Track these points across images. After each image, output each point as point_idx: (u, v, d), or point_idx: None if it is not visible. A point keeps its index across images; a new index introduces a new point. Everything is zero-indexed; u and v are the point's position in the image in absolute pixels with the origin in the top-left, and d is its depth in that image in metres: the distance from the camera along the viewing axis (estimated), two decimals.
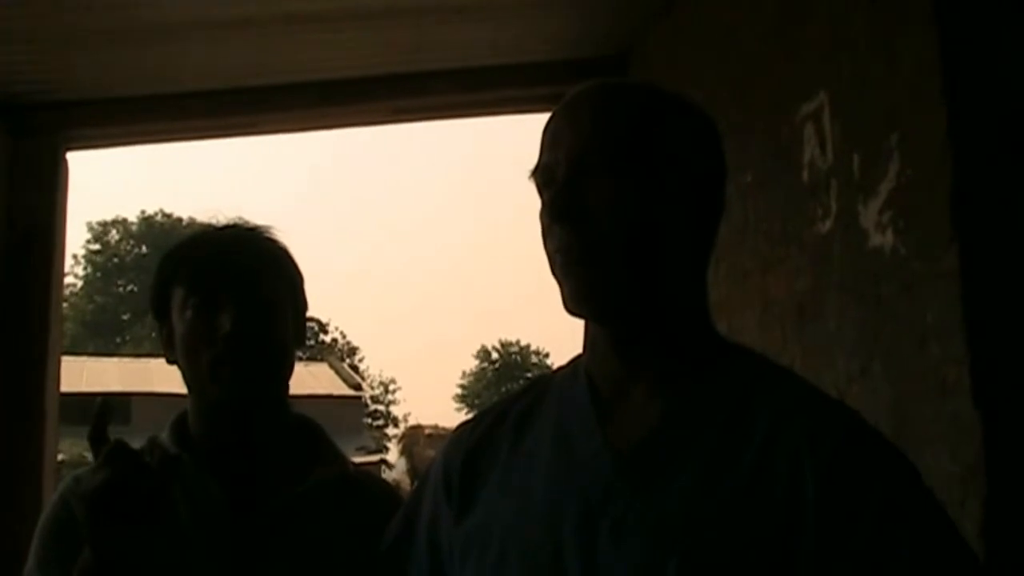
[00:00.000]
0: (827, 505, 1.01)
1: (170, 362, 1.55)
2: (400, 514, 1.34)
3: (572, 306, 1.13)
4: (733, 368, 1.16)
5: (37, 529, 1.50)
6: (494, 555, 1.14)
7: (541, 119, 1.22)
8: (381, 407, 47.35)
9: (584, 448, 1.14)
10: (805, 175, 2.49)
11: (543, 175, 1.14)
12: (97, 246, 44.07)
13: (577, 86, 1.19)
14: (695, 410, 1.12)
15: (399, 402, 49.70)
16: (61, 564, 1.39)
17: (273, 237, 1.59)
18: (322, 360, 33.39)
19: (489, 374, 52.84)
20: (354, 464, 1.65)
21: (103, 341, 37.82)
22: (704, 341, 1.19)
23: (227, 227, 1.59)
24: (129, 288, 42.32)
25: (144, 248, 42.60)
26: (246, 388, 1.48)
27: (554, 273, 1.14)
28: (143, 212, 44.88)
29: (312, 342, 43.17)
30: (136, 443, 1.61)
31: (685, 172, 1.15)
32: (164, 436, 1.55)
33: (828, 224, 2.37)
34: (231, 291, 1.47)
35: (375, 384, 46.74)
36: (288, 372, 1.56)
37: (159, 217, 44.37)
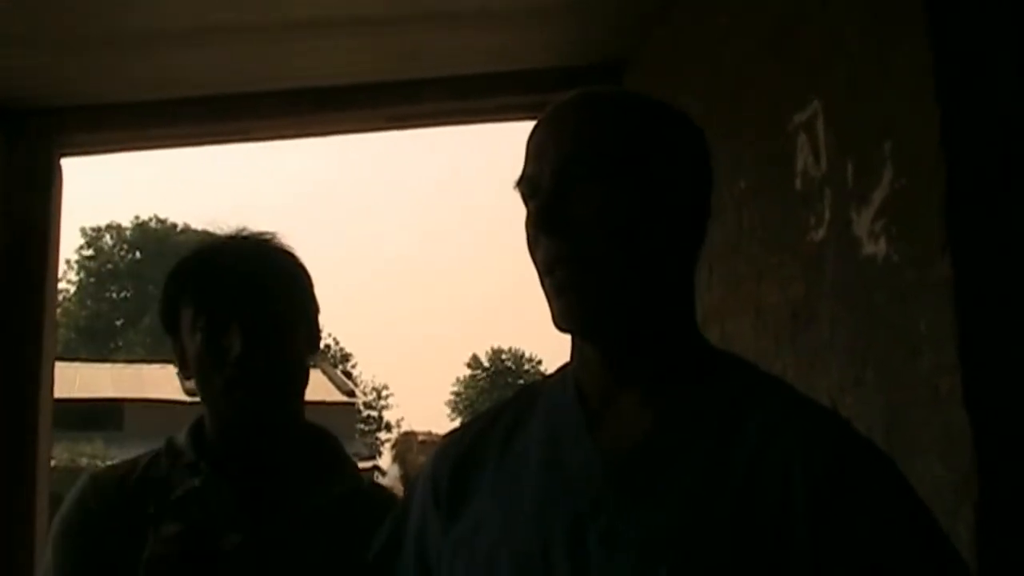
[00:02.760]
0: (818, 516, 1.01)
1: (186, 378, 1.54)
2: (387, 523, 1.33)
3: (562, 324, 1.12)
4: (723, 377, 1.16)
5: (53, 530, 1.50)
6: (482, 563, 1.14)
7: None
8: (374, 413, 47.31)
9: (573, 457, 1.14)
10: (798, 183, 2.50)
11: (528, 185, 1.14)
12: (90, 252, 43.96)
13: (560, 96, 1.19)
14: (685, 419, 1.11)
15: (392, 408, 49.72)
16: (78, 565, 1.40)
17: (278, 244, 1.58)
18: (315, 366, 33.36)
19: (481, 381, 52.80)
20: (367, 475, 1.64)
21: (96, 347, 37.68)
22: (693, 349, 1.18)
23: (231, 238, 1.57)
24: (122, 294, 42.24)
25: (138, 254, 42.50)
26: (259, 409, 1.48)
27: (543, 286, 1.13)
28: (137, 218, 44.77)
29: None
30: (128, 449, 1.61)
31: (672, 180, 1.14)
32: (181, 440, 1.54)
33: (821, 232, 2.38)
34: (239, 311, 1.46)
35: (368, 390, 46.68)
36: (303, 385, 1.56)
37: (153, 223, 44.25)
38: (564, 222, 1.09)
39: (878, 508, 1.02)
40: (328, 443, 1.62)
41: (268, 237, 1.58)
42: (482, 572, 1.13)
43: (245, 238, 1.57)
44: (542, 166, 1.12)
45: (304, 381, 1.56)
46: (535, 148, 1.15)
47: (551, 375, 1.28)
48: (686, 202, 1.15)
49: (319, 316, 1.61)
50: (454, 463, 1.24)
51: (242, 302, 1.47)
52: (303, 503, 1.48)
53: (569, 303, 1.10)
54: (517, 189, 1.15)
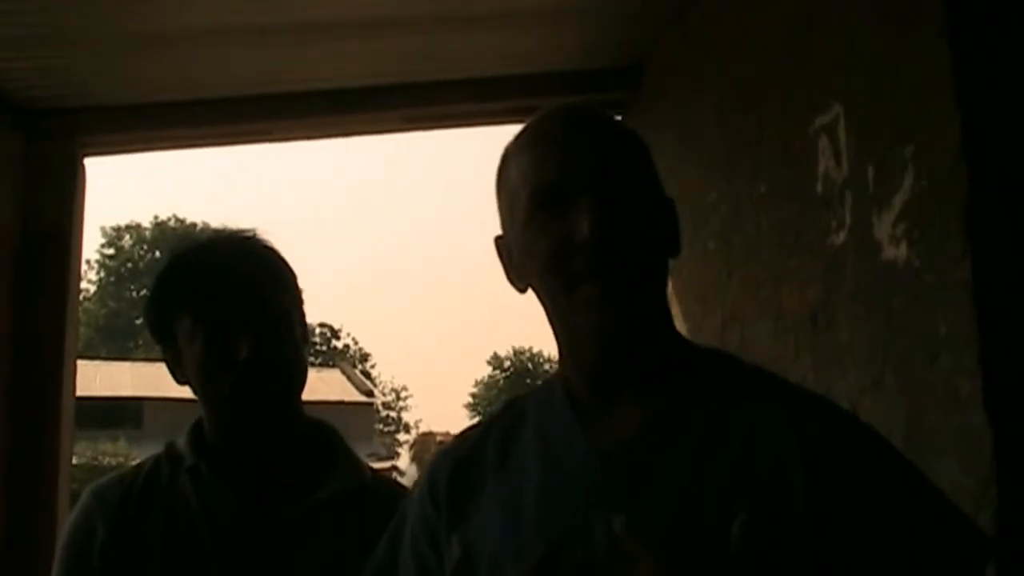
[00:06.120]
0: (817, 486, 1.04)
1: (181, 383, 1.54)
2: (384, 542, 1.33)
3: (597, 337, 1.12)
4: (708, 369, 1.19)
5: (60, 542, 1.50)
6: (486, 566, 1.15)
7: None
8: (392, 413, 47.39)
9: (570, 456, 1.16)
10: (819, 187, 2.49)
11: (551, 195, 1.12)
12: (111, 251, 44.20)
13: (549, 108, 1.20)
14: (676, 412, 1.14)
15: (410, 408, 49.78)
16: None
17: (262, 243, 1.57)
18: (334, 366, 33.44)
19: (501, 381, 52.78)
20: (371, 469, 1.64)
21: (116, 346, 37.93)
22: (676, 346, 1.20)
23: (216, 241, 1.56)
24: (142, 293, 42.38)
25: (157, 253, 42.68)
26: (268, 407, 1.48)
27: (565, 298, 1.13)
28: (156, 217, 45.02)
29: (324, 348, 43.24)
30: (148, 448, 1.61)
31: (660, 189, 1.19)
32: (182, 443, 1.55)
33: (842, 236, 2.37)
34: (240, 316, 1.46)
35: (387, 390, 46.76)
36: (304, 380, 1.56)
37: (172, 222, 44.50)
38: (615, 233, 1.09)
39: (873, 470, 1.06)
40: (328, 438, 1.62)
41: (249, 235, 1.56)
42: (486, 574, 1.14)
43: (227, 238, 1.56)
44: (569, 177, 1.11)
45: (305, 377, 1.56)
46: (548, 159, 1.14)
47: (536, 389, 1.30)
48: (670, 210, 1.20)
49: (304, 307, 1.60)
50: (452, 469, 1.25)
51: (240, 304, 1.47)
52: (305, 501, 1.48)
53: (613, 316, 1.10)
54: (528, 201, 1.13)
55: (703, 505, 1.06)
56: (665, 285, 1.18)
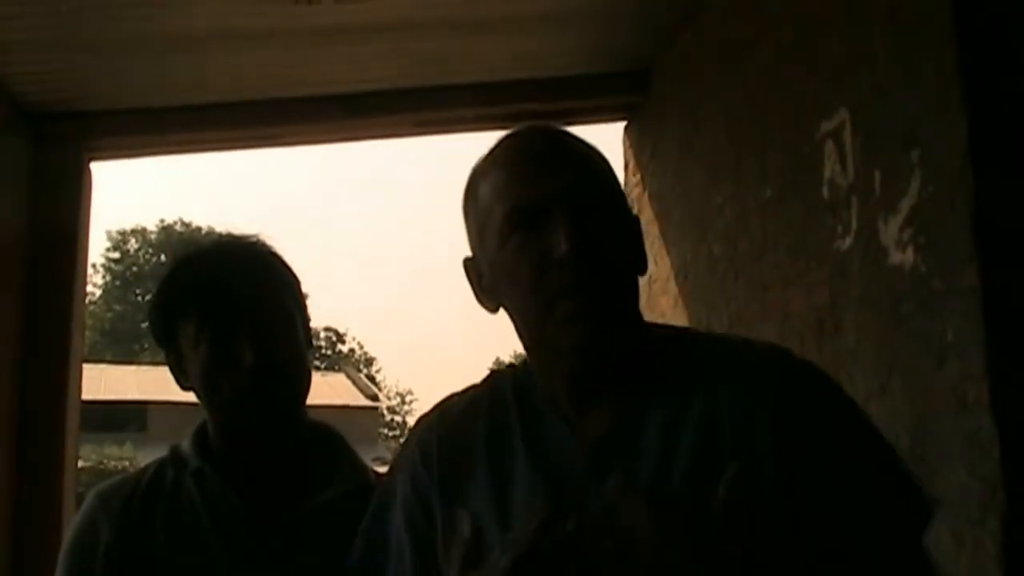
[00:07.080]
0: (785, 445, 1.07)
1: (185, 388, 1.54)
2: (373, 510, 1.34)
3: (575, 351, 1.14)
4: (674, 356, 1.20)
5: (64, 545, 1.50)
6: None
7: None
8: (398, 418, 47.37)
9: (559, 453, 1.17)
10: (825, 191, 2.49)
11: (525, 212, 1.14)
12: (116, 254, 44.24)
13: (518, 129, 1.22)
14: (649, 399, 1.16)
15: (415, 413, 49.70)
16: None
17: (265, 247, 1.56)
18: (339, 370, 33.42)
19: None
20: (375, 472, 1.64)
21: (121, 349, 37.95)
22: (645, 337, 1.22)
23: (219, 246, 1.56)
24: (147, 297, 42.33)
25: (163, 257, 42.67)
26: (274, 412, 1.48)
27: (541, 313, 1.14)
28: (162, 221, 44.98)
29: (330, 352, 43.25)
30: (152, 451, 1.61)
31: (626, 200, 1.24)
32: (186, 447, 1.55)
33: (848, 240, 2.37)
34: (243, 321, 1.46)
35: (392, 395, 46.70)
36: (308, 384, 1.56)
37: (178, 226, 44.51)
38: (592, 250, 1.11)
39: (834, 426, 1.11)
40: (332, 441, 1.61)
41: (253, 239, 1.57)
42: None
43: (230, 243, 1.56)
44: (545, 196, 1.13)
45: (309, 380, 1.56)
46: (523, 177, 1.16)
47: (516, 373, 1.31)
48: (638, 227, 1.23)
49: (308, 312, 1.61)
50: (440, 449, 1.26)
51: (244, 309, 1.47)
52: (309, 503, 1.48)
53: (591, 331, 1.13)
54: (506, 220, 1.14)
55: (675, 481, 1.09)
56: (638, 300, 1.20)
